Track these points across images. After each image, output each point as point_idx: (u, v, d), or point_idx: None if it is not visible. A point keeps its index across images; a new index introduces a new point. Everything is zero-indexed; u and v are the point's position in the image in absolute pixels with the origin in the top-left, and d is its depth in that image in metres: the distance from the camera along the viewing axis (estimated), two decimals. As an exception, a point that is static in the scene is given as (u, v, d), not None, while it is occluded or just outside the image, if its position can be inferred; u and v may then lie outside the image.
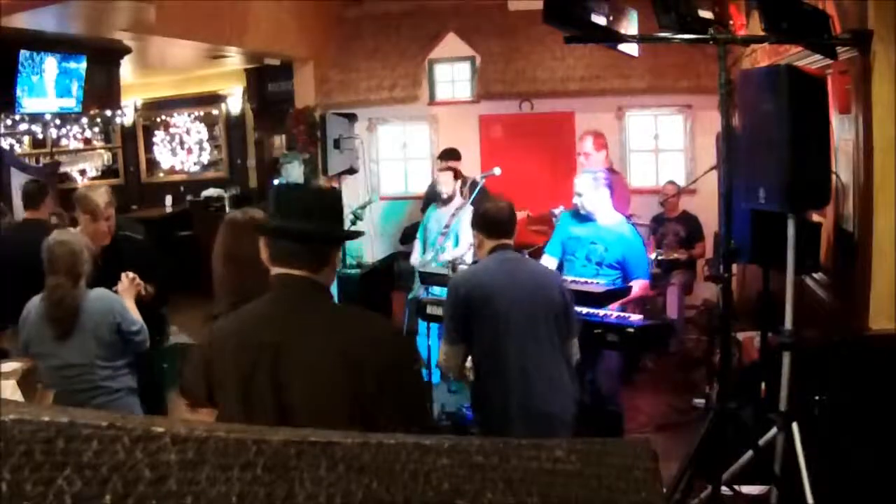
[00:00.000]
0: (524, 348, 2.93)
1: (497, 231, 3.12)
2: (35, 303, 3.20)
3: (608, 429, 4.06)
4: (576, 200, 4.19)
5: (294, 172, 6.57)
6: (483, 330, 2.97)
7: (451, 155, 6.85)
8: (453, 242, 5.61)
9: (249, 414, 1.70)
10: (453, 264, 4.93)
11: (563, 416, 2.97)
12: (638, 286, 4.07)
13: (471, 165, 7.42)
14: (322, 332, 1.73)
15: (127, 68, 7.14)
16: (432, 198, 7.14)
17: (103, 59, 6.56)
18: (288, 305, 1.78)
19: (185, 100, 10.33)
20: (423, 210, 7.34)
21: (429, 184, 7.47)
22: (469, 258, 5.36)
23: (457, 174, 5.89)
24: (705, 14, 3.09)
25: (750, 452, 3.24)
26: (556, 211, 5.16)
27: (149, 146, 10.77)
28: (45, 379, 3.16)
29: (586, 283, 3.98)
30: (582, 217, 4.25)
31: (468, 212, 5.64)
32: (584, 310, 3.68)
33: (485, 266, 3.14)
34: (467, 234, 5.61)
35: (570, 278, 4.07)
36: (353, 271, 7.05)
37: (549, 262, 4.28)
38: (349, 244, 7.17)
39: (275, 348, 1.70)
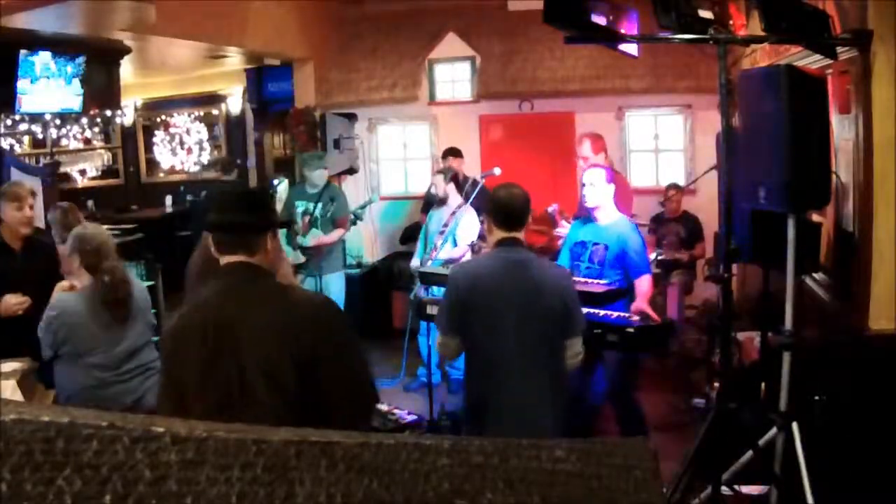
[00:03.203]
0: (513, 351, 2.88)
1: (508, 221, 3.00)
2: (69, 299, 3.23)
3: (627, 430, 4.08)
4: (584, 192, 4.18)
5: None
6: (475, 327, 2.94)
7: (451, 153, 6.87)
8: (451, 243, 5.60)
9: (210, 391, 1.90)
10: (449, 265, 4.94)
11: (546, 422, 2.94)
12: (644, 284, 4.06)
13: (471, 165, 7.43)
14: (265, 305, 2.02)
15: (127, 68, 7.15)
16: (431, 199, 7.15)
17: (103, 59, 6.56)
18: (235, 285, 2.05)
19: (185, 100, 10.34)
20: (423, 211, 7.35)
21: (429, 185, 7.48)
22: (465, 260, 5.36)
23: (454, 176, 5.89)
24: (705, 14, 3.09)
25: (750, 452, 3.24)
26: (550, 209, 5.16)
27: (149, 146, 10.78)
28: (92, 372, 3.19)
29: (586, 283, 3.98)
30: (585, 221, 4.28)
31: (467, 213, 5.64)
32: (585, 310, 3.67)
33: (487, 261, 3.08)
34: (465, 236, 5.61)
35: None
36: (353, 271, 7.05)
37: None
38: (349, 244, 7.18)
39: (230, 323, 1.94)
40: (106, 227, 6.57)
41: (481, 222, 5.58)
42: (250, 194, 2.27)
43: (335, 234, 6.01)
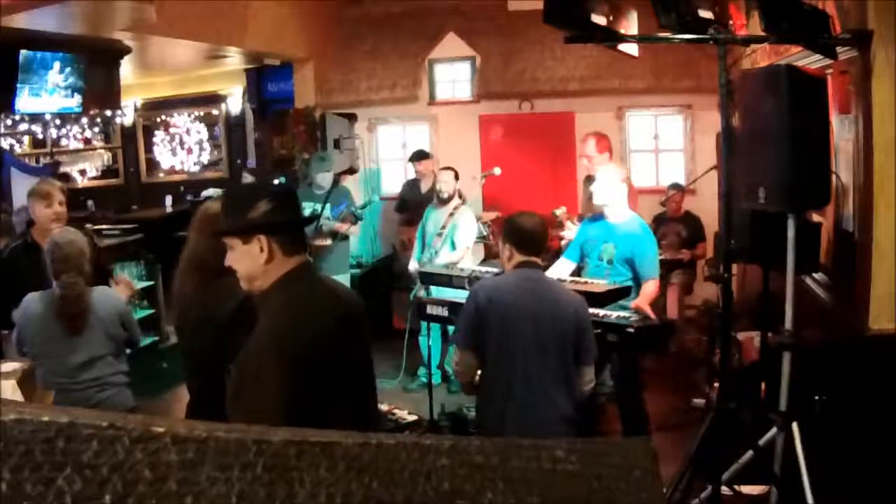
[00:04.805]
0: (528, 371, 2.91)
1: (528, 247, 3.11)
2: (34, 301, 3.23)
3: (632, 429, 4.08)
4: (594, 188, 4.15)
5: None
6: (492, 344, 2.96)
7: (421, 156, 6.94)
8: (449, 246, 5.57)
9: (350, 383, 2.02)
10: (451, 267, 4.92)
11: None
12: (650, 288, 4.04)
13: (471, 165, 7.42)
14: (350, 301, 2.15)
15: (127, 68, 7.14)
16: (408, 197, 7.18)
17: (103, 59, 6.55)
18: (320, 283, 2.10)
19: (185, 100, 10.33)
20: (398, 210, 7.36)
21: (404, 183, 7.48)
22: (465, 263, 5.32)
23: (456, 175, 5.86)
24: (705, 14, 3.09)
25: (750, 452, 3.24)
26: (558, 212, 5.14)
27: (149, 146, 10.77)
28: (48, 377, 3.21)
29: (586, 283, 3.97)
30: (596, 219, 4.24)
31: (465, 215, 5.63)
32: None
33: (508, 281, 3.12)
34: (463, 239, 5.59)
35: (569, 278, 4.07)
36: (354, 271, 7.04)
37: (566, 265, 4.28)
38: (350, 244, 7.17)
39: (352, 318, 2.04)
40: (106, 227, 6.62)
41: (486, 243, 5.54)
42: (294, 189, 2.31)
43: (347, 225, 5.94)
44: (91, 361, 3.23)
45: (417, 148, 7.44)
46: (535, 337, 2.92)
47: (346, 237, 6.05)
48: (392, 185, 8.39)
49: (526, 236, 3.11)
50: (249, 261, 1.96)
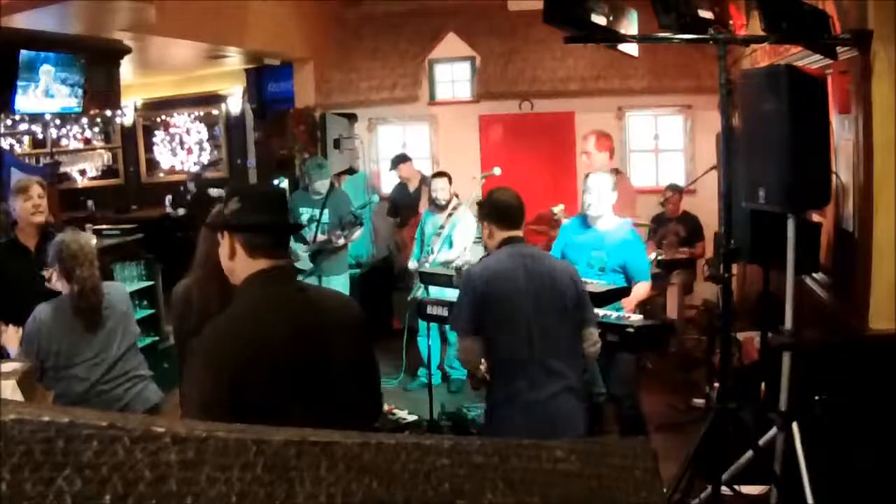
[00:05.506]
0: (535, 342, 2.92)
1: (509, 221, 3.09)
2: (45, 310, 3.18)
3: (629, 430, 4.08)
4: (586, 198, 4.11)
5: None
6: (496, 322, 2.96)
7: (400, 160, 7.01)
8: (447, 245, 5.56)
9: (299, 391, 1.93)
10: (448, 265, 4.92)
11: (567, 411, 2.97)
12: (641, 289, 4.06)
13: (471, 165, 7.43)
14: (333, 304, 2.14)
15: (127, 68, 7.14)
16: (398, 200, 7.19)
17: (103, 59, 6.55)
18: (295, 288, 2.05)
19: (185, 100, 10.35)
20: (390, 214, 7.36)
21: (393, 187, 7.49)
22: (461, 262, 5.30)
23: (450, 179, 5.84)
24: (705, 14, 3.09)
25: (750, 452, 3.24)
26: (556, 210, 5.13)
27: (149, 146, 10.79)
28: (75, 385, 3.15)
29: (586, 283, 3.96)
30: (584, 224, 4.21)
31: (465, 214, 5.62)
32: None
33: (499, 259, 3.09)
34: (462, 238, 5.59)
35: None
36: (353, 271, 7.03)
37: None
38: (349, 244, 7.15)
39: (316, 326, 1.98)
40: (106, 227, 6.61)
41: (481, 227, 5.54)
42: (283, 194, 2.23)
43: (357, 234, 5.91)
44: (119, 358, 3.23)
45: (417, 149, 7.47)
46: (539, 312, 2.92)
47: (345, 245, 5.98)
48: (391, 185, 8.40)
49: (505, 210, 3.10)
50: (223, 256, 2.04)
